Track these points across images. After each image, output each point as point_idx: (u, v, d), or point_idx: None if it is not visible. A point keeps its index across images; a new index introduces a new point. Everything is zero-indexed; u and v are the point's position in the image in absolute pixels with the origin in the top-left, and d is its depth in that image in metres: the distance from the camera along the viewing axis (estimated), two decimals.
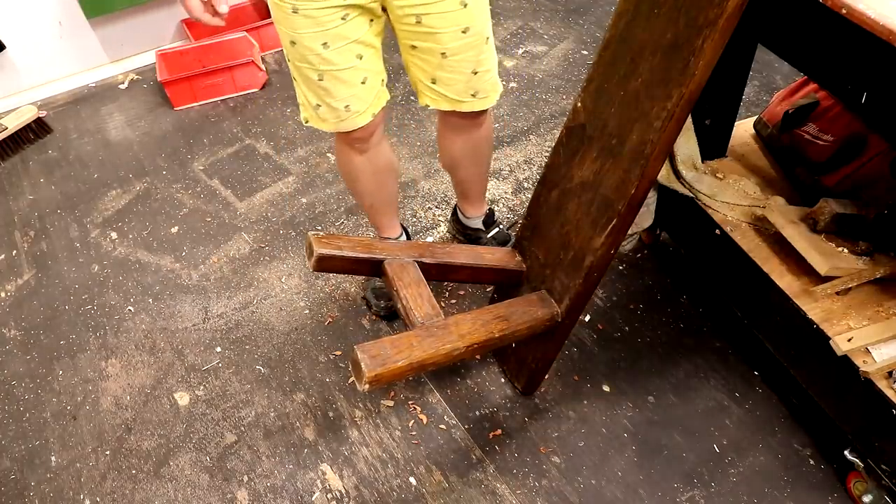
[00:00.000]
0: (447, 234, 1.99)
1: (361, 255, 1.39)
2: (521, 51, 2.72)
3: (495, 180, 2.13)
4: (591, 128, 1.24)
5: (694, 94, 1.08)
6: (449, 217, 2.00)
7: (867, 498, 1.33)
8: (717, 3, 0.99)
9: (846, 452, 1.36)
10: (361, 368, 1.15)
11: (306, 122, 1.45)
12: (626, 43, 1.15)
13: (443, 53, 1.33)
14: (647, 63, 1.12)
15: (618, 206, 1.20)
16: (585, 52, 2.69)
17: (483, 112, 1.50)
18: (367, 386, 1.15)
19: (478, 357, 1.66)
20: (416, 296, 1.35)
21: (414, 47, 1.35)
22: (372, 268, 1.42)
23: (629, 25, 1.15)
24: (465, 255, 1.47)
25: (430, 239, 1.98)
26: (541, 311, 1.36)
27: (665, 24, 1.07)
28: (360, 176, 1.57)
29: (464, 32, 1.31)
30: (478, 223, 1.85)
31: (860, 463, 1.34)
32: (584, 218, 1.27)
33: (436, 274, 1.45)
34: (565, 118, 1.33)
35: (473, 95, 1.42)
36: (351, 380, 1.65)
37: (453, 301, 1.81)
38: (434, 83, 1.39)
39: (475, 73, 1.38)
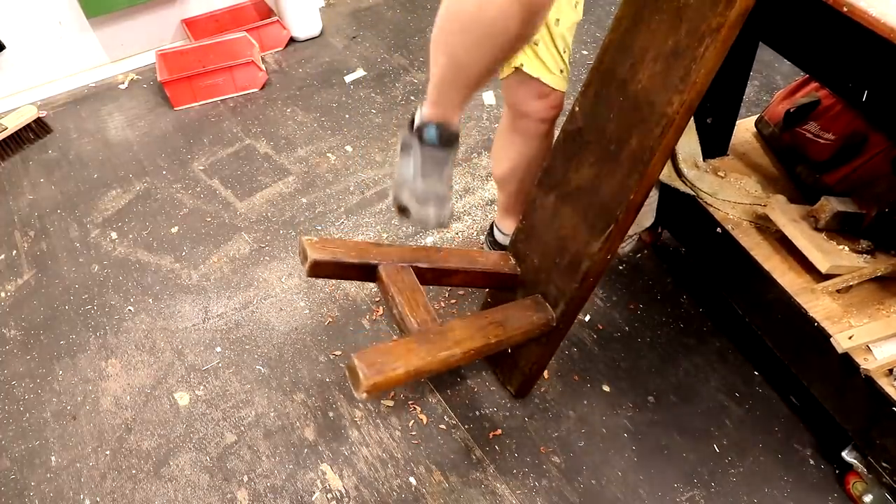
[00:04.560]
0: (447, 234, 1.99)
1: (356, 261, 1.36)
2: None
3: (492, 183, 2.12)
4: (589, 132, 1.24)
5: (695, 102, 1.07)
6: (484, 239, 1.94)
7: (868, 498, 1.33)
8: (720, 12, 0.98)
9: (844, 454, 1.36)
10: (359, 377, 1.14)
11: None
12: (625, 48, 1.15)
13: (557, 20, 1.30)
14: (647, 69, 1.11)
15: (616, 211, 1.19)
16: (585, 53, 2.69)
17: (552, 123, 1.47)
18: (364, 394, 1.14)
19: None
20: (411, 301, 1.32)
21: None
22: (367, 273, 1.40)
23: (629, 31, 1.14)
24: (459, 259, 1.45)
25: (429, 240, 1.98)
26: (536, 316, 1.36)
27: (666, 31, 1.07)
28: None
29: (574, 6, 1.32)
30: None
31: (859, 464, 1.34)
32: (581, 223, 1.26)
33: (431, 279, 1.43)
34: (564, 119, 1.33)
35: (561, 71, 1.38)
36: None
37: (453, 301, 1.80)
38: (536, 45, 1.33)
39: (565, 52, 1.36)
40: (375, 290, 1.85)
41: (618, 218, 1.19)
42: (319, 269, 1.35)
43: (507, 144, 1.53)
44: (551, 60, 1.34)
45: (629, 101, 1.15)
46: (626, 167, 1.16)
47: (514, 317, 1.34)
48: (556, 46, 1.33)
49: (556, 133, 1.36)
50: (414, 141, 1.20)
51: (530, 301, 1.39)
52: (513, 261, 1.48)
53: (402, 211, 1.25)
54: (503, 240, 1.79)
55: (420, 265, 1.40)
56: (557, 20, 1.31)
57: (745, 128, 1.75)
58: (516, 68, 1.36)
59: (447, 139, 1.18)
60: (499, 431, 1.53)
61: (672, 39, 1.06)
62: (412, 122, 1.22)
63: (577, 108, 1.26)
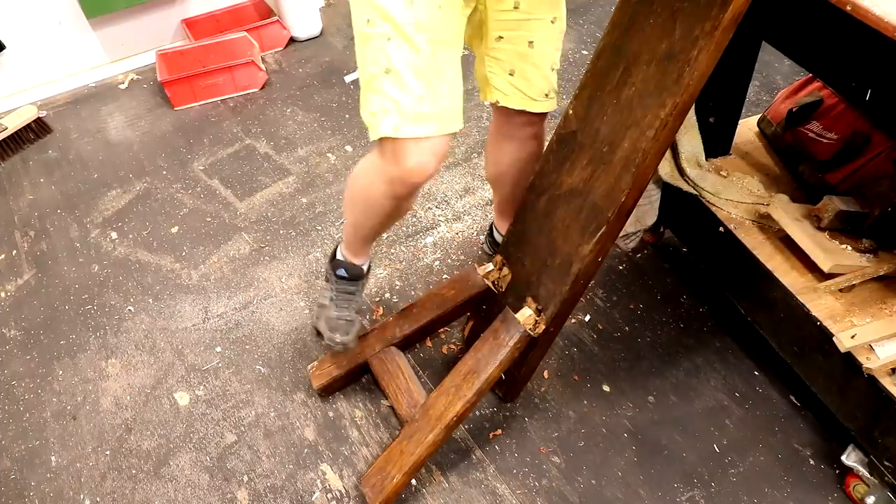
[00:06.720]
0: (447, 234, 1.99)
1: (351, 368, 1.56)
2: None
3: (487, 184, 2.12)
4: (583, 135, 1.23)
5: (688, 104, 1.07)
6: (483, 239, 1.94)
7: (870, 500, 1.32)
8: (714, 15, 0.98)
9: (843, 458, 1.36)
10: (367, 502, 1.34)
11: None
12: (620, 52, 1.15)
13: (530, 42, 1.30)
14: (641, 72, 1.11)
15: (607, 213, 1.18)
16: (585, 52, 2.69)
17: (542, 124, 1.46)
18: None
19: None
20: (395, 389, 1.47)
21: (501, 38, 1.30)
22: (363, 370, 1.59)
23: (624, 34, 1.14)
24: (430, 308, 1.55)
25: (429, 239, 1.98)
26: (508, 339, 1.34)
27: (660, 34, 1.07)
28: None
29: (552, 22, 1.30)
30: None
31: (860, 467, 1.34)
32: (573, 225, 1.26)
33: (416, 339, 1.55)
34: (558, 122, 1.32)
35: (546, 95, 1.37)
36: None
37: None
38: (512, 75, 1.33)
39: (552, 70, 1.35)
40: (375, 290, 1.85)
41: (609, 220, 1.18)
42: (329, 390, 1.59)
43: (498, 147, 1.53)
44: (533, 88, 1.35)
45: (623, 103, 1.14)
46: (619, 169, 1.16)
47: (487, 356, 1.35)
48: (537, 68, 1.33)
49: (549, 136, 1.35)
50: (330, 275, 1.55)
51: (498, 324, 1.37)
52: (479, 272, 1.49)
53: (319, 334, 1.45)
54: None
55: (399, 336, 1.55)
56: (531, 42, 1.30)
57: (747, 127, 1.75)
58: (492, 102, 1.39)
59: (355, 275, 1.53)
60: (499, 431, 1.53)
61: (666, 42, 1.06)
62: (333, 255, 1.56)
63: (570, 111, 1.25)
